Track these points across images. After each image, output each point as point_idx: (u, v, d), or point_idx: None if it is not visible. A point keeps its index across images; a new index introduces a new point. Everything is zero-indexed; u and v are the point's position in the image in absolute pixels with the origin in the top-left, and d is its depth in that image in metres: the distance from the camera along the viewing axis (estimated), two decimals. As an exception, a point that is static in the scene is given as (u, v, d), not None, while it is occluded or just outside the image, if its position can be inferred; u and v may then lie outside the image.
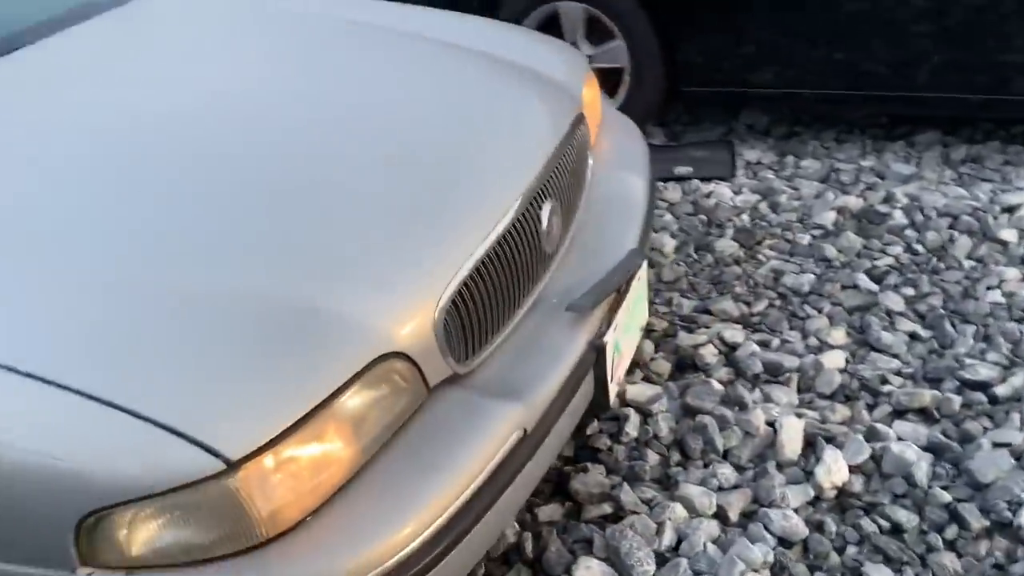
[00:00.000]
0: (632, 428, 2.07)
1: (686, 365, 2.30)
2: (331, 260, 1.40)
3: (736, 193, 3.04)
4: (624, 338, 1.74)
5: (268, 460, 1.20)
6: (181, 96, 1.77)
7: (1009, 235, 2.65)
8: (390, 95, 1.82)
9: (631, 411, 2.11)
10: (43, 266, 1.36)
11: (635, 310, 1.81)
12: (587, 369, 1.61)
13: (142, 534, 1.17)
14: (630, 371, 2.27)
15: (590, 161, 1.98)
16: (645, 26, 3.12)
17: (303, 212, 1.47)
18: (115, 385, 1.19)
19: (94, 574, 1.18)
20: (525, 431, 1.44)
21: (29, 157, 1.60)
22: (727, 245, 2.76)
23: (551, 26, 3.27)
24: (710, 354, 2.31)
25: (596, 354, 1.62)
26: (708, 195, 3.04)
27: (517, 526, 1.86)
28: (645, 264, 1.84)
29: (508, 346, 1.57)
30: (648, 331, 2.43)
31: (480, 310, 1.49)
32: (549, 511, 1.91)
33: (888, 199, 2.89)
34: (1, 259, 1.38)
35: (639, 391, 2.16)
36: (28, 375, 1.19)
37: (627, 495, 1.91)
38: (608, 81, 3.26)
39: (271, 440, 1.20)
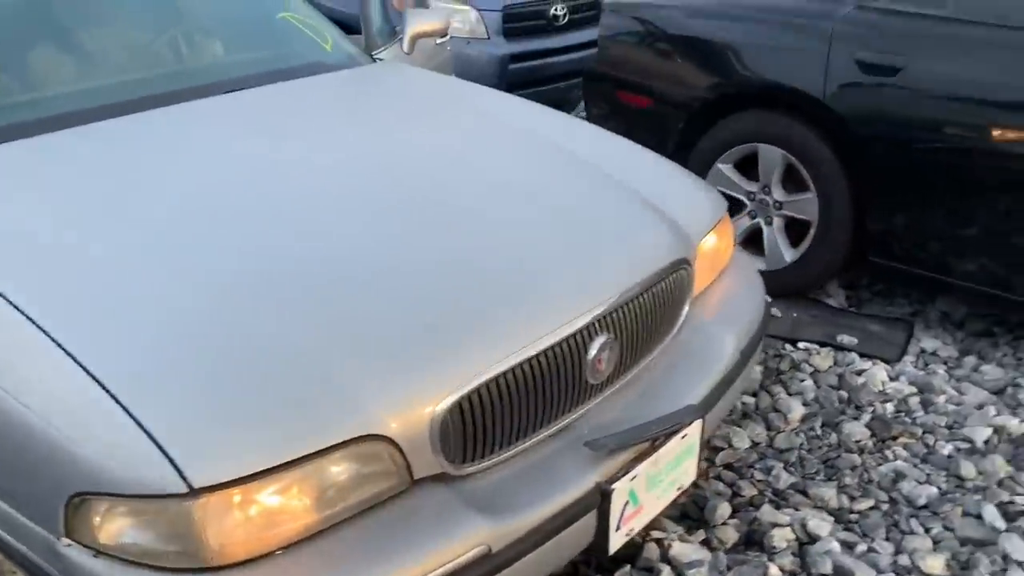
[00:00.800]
0: (662, 587, 1.99)
1: (753, 541, 2.17)
2: (361, 334, 1.52)
3: (892, 379, 2.82)
4: (647, 491, 1.70)
5: (229, 496, 1.32)
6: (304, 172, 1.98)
7: None
8: (490, 190, 1.95)
9: (667, 569, 2.03)
10: (154, 272, 1.59)
11: (672, 466, 1.76)
12: (587, 510, 1.60)
13: (111, 526, 1.34)
14: (695, 528, 2.19)
15: (685, 308, 1.97)
16: (840, 184, 3.02)
17: (358, 285, 1.61)
18: (128, 384, 1.37)
19: (73, 547, 1.36)
20: (489, 549, 1.45)
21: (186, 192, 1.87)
22: (857, 430, 2.56)
23: (750, 165, 3.25)
24: (783, 538, 2.16)
25: (601, 498, 1.60)
26: (860, 372, 2.84)
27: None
28: (700, 424, 1.79)
29: (517, 462, 1.60)
30: (734, 494, 2.32)
31: (489, 420, 1.54)
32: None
33: (1064, 433, 2.55)
34: (129, 260, 1.63)
35: (685, 551, 2.07)
36: (68, 352, 1.41)
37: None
38: (796, 230, 3.18)
39: (237, 479, 1.32)
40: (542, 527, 1.52)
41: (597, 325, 1.69)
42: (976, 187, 2.76)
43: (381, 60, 2.88)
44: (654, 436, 1.69)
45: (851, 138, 2.96)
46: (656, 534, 2.13)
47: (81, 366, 1.39)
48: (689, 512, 2.27)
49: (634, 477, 1.65)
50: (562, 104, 3.91)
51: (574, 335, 1.65)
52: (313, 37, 2.73)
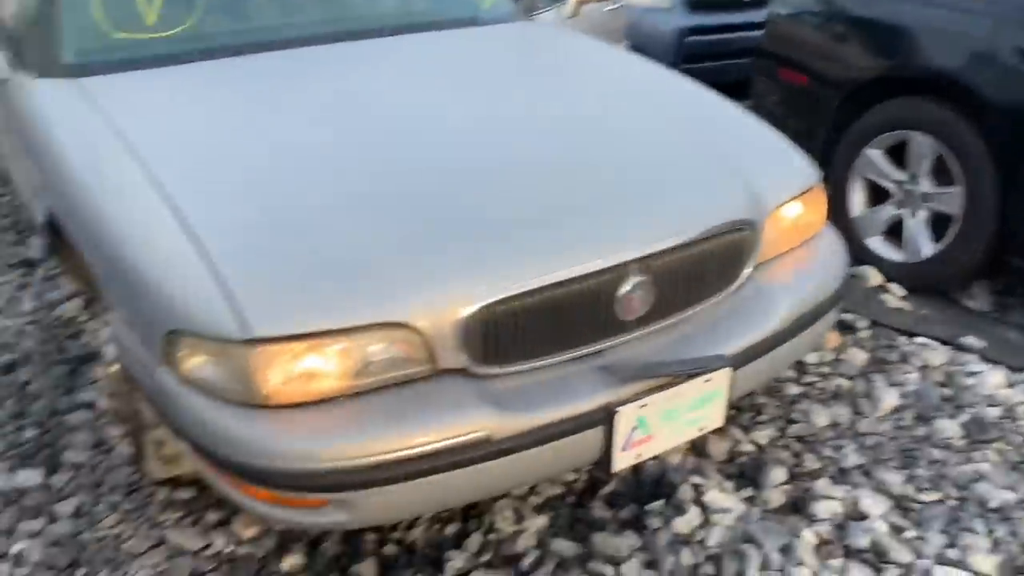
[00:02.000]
0: (684, 524, 2.10)
1: (799, 508, 2.22)
2: (415, 235, 1.78)
3: (1009, 386, 2.69)
4: (661, 422, 1.83)
5: (281, 350, 1.62)
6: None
7: None
8: (578, 123, 2.19)
9: (695, 510, 2.14)
10: (275, 168, 1.96)
11: (693, 406, 1.87)
12: (593, 426, 1.76)
13: (192, 361, 1.69)
14: (744, 487, 2.26)
15: (746, 269, 2.05)
16: (990, 181, 2.87)
17: (430, 193, 1.90)
18: (220, 245, 1.71)
19: (165, 374, 1.74)
20: (490, 437, 1.67)
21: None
22: (950, 428, 2.49)
23: (901, 153, 3.16)
24: (829, 510, 2.19)
25: (607, 417, 1.76)
26: (971, 374, 2.73)
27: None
28: (728, 373, 1.88)
29: (536, 374, 1.79)
30: (796, 464, 2.37)
31: (512, 331, 1.74)
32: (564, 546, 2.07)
33: None
34: (258, 157, 2.00)
35: (719, 498, 2.17)
36: (180, 213, 1.79)
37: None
38: (940, 225, 3.06)
39: (289, 336, 1.62)
40: (544, 429, 1.71)
41: (633, 266, 1.83)
42: None
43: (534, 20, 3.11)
44: (673, 373, 1.81)
45: (1006, 132, 2.81)
46: (697, 479, 2.24)
47: (188, 226, 1.76)
48: (746, 472, 2.34)
49: (644, 405, 1.78)
50: (740, 83, 3.92)
51: (606, 270, 1.80)
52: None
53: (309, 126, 2.17)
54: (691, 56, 4.59)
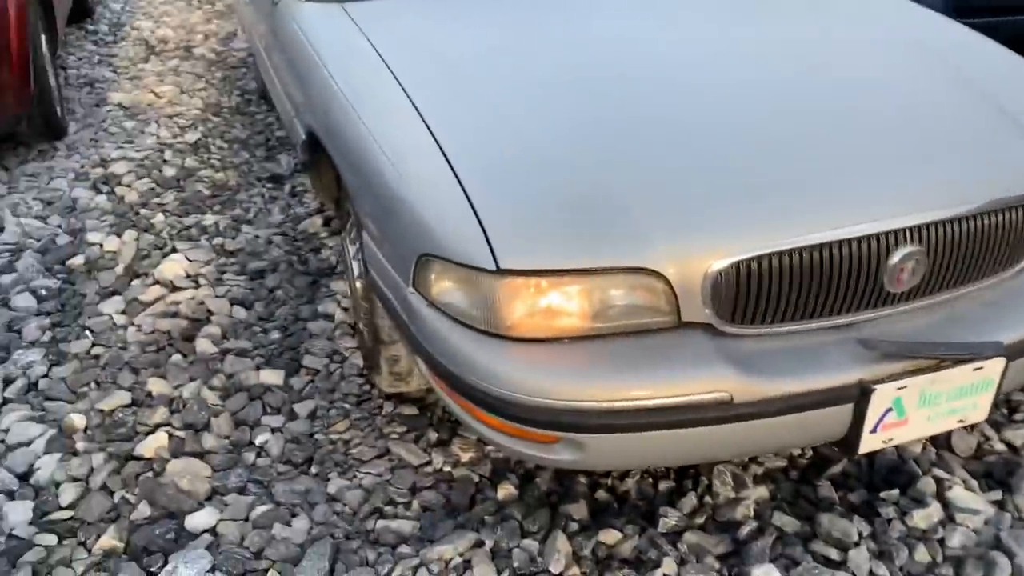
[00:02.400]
0: (923, 519, 1.94)
1: (1060, 520, 1.99)
2: (671, 180, 1.71)
3: None
4: (918, 407, 1.68)
5: (527, 283, 1.62)
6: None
7: None
8: (850, 85, 2.04)
9: (937, 505, 1.96)
10: (530, 100, 1.96)
11: (957, 395, 1.70)
12: (843, 401, 1.63)
13: (441, 285, 1.72)
14: (994, 487, 2.06)
15: (1035, 252, 1.83)
16: None
17: (689, 137, 1.83)
18: (474, 174, 1.72)
19: (415, 295, 1.78)
20: (731, 398, 1.59)
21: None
22: None
23: None
24: (1096, 529, 1.95)
25: (860, 394, 1.63)
26: None
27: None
28: (1002, 363, 1.69)
29: (786, 339, 1.69)
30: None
31: (766, 291, 1.64)
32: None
33: None
34: (513, 89, 2.01)
35: (964, 497, 1.98)
36: (437, 142, 1.82)
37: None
38: None
39: (536, 270, 1.61)
40: (790, 398, 1.61)
41: (907, 234, 1.67)
42: None
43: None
44: (941, 356, 1.65)
45: None
46: (940, 473, 2.06)
47: (444, 154, 1.79)
48: (994, 472, 2.13)
49: (903, 387, 1.64)
50: (1017, 40, 3.49)
51: (878, 236, 1.65)
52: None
53: (560, 59, 2.14)
54: (963, 9, 4.12)
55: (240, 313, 2.80)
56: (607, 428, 1.59)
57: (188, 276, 3.00)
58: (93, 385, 2.48)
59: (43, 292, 2.90)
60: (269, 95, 4.57)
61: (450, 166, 1.76)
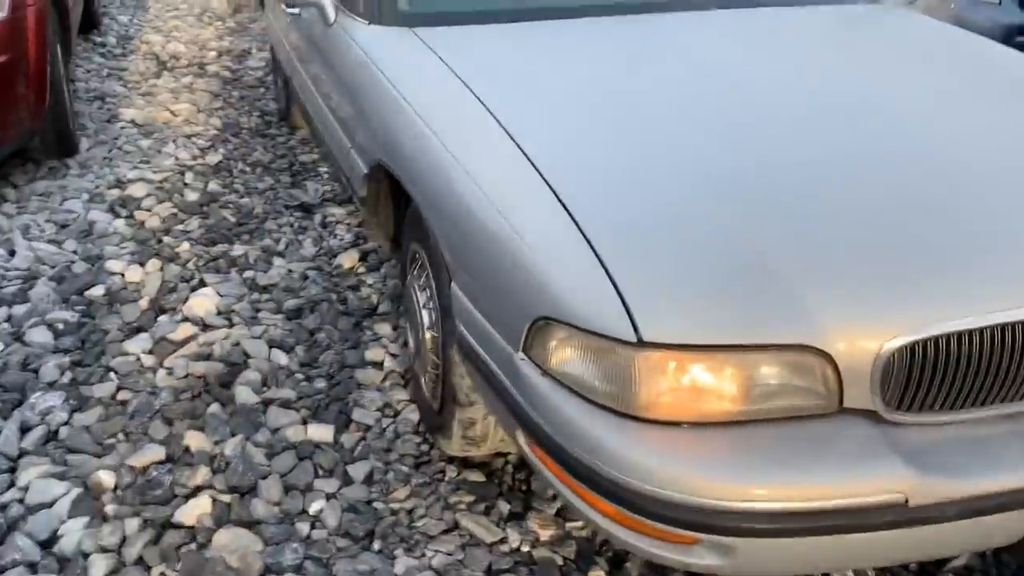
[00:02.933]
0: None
1: None
2: (829, 248, 1.50)
3: None
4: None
5: (669, 358, 1.41)
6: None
7: None
8: (974, 138, 1.86)
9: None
10: (651, 149, 1.77)
11: None
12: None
13: (562, 353, 1.50)
14: None
15: None
16: None
17: (840, 201, 1.61)
18: (605, 232, 1.52)
19: (526, 361, 1.56)
20: (907, 501, 1.38)
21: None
22: None
23: None
24: None
25: (1048, 500, 1.43)
26: None
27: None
28: None
29: (957, 429, 1.48)
30: None
31: (940, 375, 1.44)
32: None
33: None
34: (630, 133, 1.81)
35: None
36: (557, 195, 1.60)
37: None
38: None
39: (681, 345, 1.40)
40: (971, 501, 1.40)
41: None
42: None
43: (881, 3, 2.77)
44: None
45: None
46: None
47: (567, 209, 1.57)
48: None
49: (1090, 488, 1.43)
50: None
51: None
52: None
53: (671, 100, 1.94)
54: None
55: (280, 358, 2.55)
56: (762, 532, 1.37)
57: (220, 313, 2.75)
58: (121, 436, 2.22)
59: (60, 326, 2.64)
60: (292, 118, 4.37)
61: (574, 221, 1.55)
